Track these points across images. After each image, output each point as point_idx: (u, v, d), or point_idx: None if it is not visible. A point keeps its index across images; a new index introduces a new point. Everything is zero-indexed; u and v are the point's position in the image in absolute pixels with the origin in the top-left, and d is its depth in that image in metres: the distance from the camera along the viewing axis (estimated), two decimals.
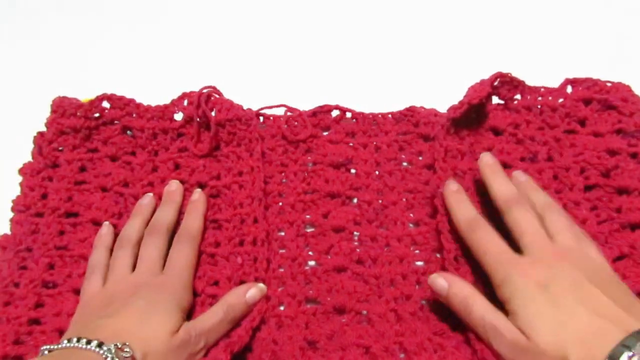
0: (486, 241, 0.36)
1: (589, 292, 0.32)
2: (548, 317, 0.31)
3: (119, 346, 0.31)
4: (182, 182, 0.45)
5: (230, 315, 0.37)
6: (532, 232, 0.36)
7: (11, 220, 0.43)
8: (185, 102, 0.45)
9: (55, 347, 0.32)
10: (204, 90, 0.44)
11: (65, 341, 0.31)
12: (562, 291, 0.32)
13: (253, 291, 0.39)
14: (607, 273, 0.34)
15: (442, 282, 0.36)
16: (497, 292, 0.34)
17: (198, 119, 0.44)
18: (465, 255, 0.39)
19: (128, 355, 0.31)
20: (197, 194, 0.43)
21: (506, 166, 0.44)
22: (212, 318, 0.36)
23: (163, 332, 0.33)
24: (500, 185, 0.39)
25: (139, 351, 0.32)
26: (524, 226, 0.36)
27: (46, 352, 0.32)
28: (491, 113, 0.46)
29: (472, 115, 0.45)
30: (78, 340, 0.31)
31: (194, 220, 0.42)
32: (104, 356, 0.30)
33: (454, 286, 0.36)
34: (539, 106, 0.46)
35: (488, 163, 0.41)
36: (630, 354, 0.27)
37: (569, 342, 0.30)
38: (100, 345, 0.31)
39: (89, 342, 0.31)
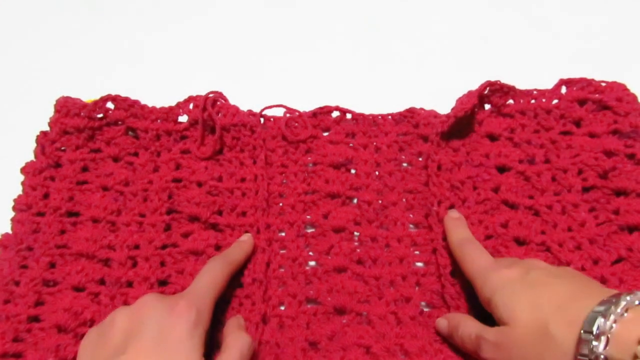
0: (473, 253, 0.39)
1: (564, 271, 0.35)
2: (526, 297, 0.33)
3: None
4: (181, 180, 0.44)
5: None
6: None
7: (12, 219, 0.43)
8: (191, 106, 0.45)
9: None
10: (210, 95, 0.44)
11: None
12: (538, 276, 0.34)
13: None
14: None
15: (443, 321, 0.39)
16: (480, 295, 0.36)
17: (203, 122, 0.44)
18: (461, 271, 0.40)
19: None
20: (247, 237, 0.42)
21: (504, 169, 0.44)
22: None
23: None
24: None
25: None
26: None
27: None
28: (485, 120, 0.46)
29: (463, 123, 0.45)
30: None
31: (237, 253, 0.41)
32: None
33: (450, 320, 0.38)
34: (533, 109, 0.46)
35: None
36: (604, 318, 0.27)
37: (547, 311, 0.31)
38: None
39: None
